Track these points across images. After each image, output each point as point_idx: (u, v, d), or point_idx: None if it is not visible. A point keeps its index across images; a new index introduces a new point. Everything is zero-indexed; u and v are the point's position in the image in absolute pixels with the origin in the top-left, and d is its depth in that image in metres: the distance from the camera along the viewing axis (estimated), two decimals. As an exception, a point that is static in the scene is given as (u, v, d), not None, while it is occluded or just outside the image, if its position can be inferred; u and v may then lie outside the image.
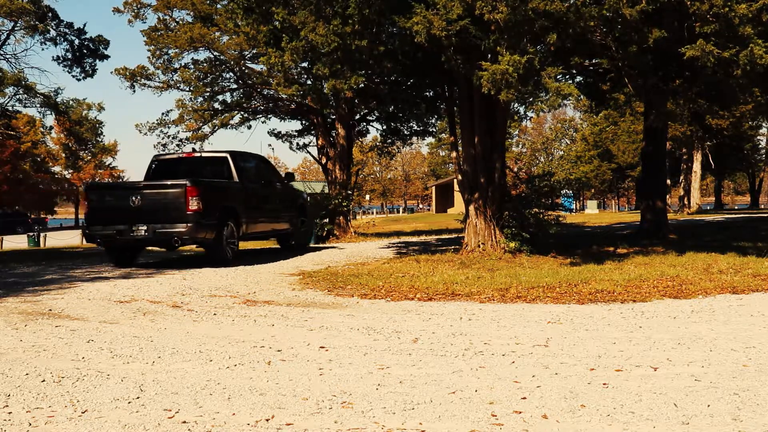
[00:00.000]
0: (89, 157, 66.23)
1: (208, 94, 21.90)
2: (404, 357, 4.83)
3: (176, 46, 20.52)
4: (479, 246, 12.04)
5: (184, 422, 3.49)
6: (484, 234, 12.09)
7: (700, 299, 7.27)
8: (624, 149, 52.68)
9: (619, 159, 54.13)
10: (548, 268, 10.00)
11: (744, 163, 52.74)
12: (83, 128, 58.79)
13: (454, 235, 19.35)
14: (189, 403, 3.82)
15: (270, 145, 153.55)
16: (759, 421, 3.39)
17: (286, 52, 10.41)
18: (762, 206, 64.48)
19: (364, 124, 23.36)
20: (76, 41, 23.03)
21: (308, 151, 24.06)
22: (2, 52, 23.87)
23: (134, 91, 24.87)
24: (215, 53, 21.20)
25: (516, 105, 18.34)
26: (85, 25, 32.90)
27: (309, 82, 19.01)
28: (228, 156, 12.20)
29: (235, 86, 22.54)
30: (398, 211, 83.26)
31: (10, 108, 27.47)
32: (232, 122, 22.74)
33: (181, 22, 21.36)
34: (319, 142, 21.93)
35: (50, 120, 59.00)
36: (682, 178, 44.87)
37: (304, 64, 16.01)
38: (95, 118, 61.98)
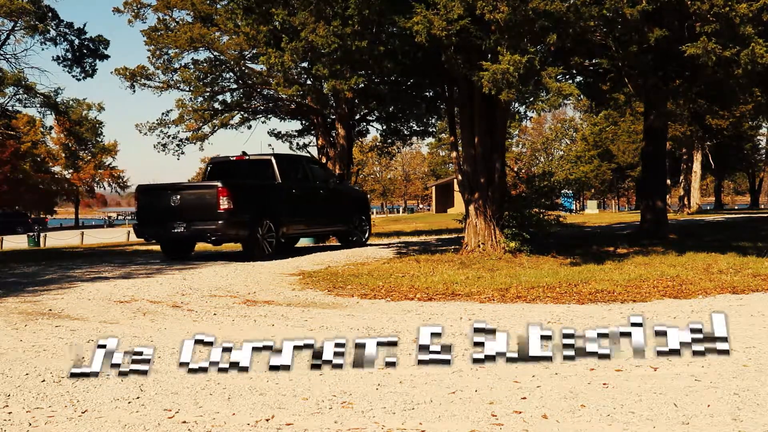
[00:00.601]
0: (89, 157, 66.32)
1: (208, 94, 21.87)
2: (404, 357, 4.83)
3: (176, 46, 20.48)
4: (479, 246, 12.04)
5: (184, 422, 3.50)
6: (484, 234, 12.09)
7: (700, 299, 7.27)
8: (624, 149, 52.59)
9: (619, 159, 54.04)
10: (548, 268, 10.00)
11: (744, 163, 52.73)
12: (83, 128, 58.67)
13: (454, 235, 19.32)
14: (189, 403, 3.82)
15: (270, 145, 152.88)
16: (759, 421, 3.39)
17: (286, 53, 10.41)
18: (762, 206, 64.40)
19: (364, 124, 23.35)
20: (76, 41, 23.05)
21: (308, 151, 24.02)
22: (2, 52, 23.86)
23: (134, 91, 24.84)
24: (215, 53, 21.18)
25: (516, 105, 18.32)
26: (85, 25, 32.85)
27: (309, 82, 19.00)
28: (272, 158, 12.98)
29: (235, 86, 22.51)
30: (398, 211, 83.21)
31: (10, 108, 27.42)
32: (232, 122, 22.73)
33: (181, 22, 21.33)
34: (319, 142, 21.92)
35: (50, 120, 58.99)
36: (682, 178, 44.83)
37: (304, 65, 16.00)
38: (95, 118, 61.94)
